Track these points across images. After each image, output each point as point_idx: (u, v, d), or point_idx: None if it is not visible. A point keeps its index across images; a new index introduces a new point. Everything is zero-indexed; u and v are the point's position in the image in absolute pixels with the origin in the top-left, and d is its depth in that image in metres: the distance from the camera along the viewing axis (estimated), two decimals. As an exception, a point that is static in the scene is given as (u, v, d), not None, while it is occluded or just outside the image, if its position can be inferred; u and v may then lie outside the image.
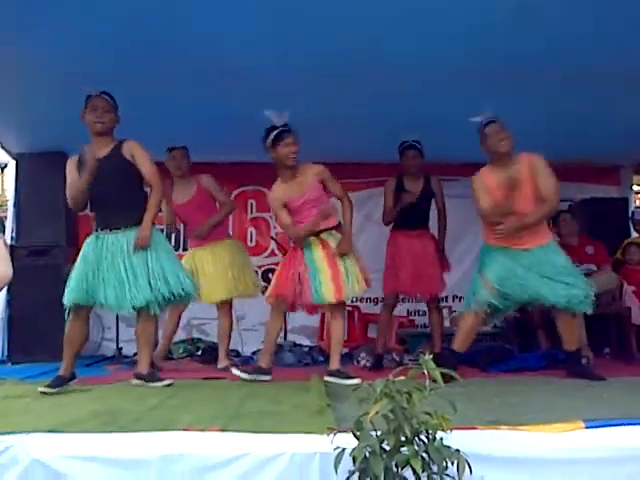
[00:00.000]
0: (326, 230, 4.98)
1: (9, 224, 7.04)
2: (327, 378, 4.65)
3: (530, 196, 4.80)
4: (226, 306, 5.89)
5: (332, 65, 4.94)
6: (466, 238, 7.16)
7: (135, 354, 6.54)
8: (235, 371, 4.86)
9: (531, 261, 4.80)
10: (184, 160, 5.85)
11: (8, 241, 6.88)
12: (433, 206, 6.01)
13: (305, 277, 4.85)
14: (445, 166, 6.68)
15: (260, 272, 7.33)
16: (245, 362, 6.45)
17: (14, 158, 7.24)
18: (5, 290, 6.52)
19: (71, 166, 4.59)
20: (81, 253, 4.49)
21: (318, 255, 4.90)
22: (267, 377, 4.82)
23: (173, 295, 4.46)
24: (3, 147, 7.05)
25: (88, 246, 4.49)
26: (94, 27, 4.43)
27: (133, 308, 4.39)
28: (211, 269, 5.76)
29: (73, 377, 4.48)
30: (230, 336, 5.96)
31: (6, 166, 7.43)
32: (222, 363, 5.76)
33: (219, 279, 5.74)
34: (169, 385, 4.47)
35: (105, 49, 4.67)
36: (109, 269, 4.39)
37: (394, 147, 6.31)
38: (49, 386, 4.25)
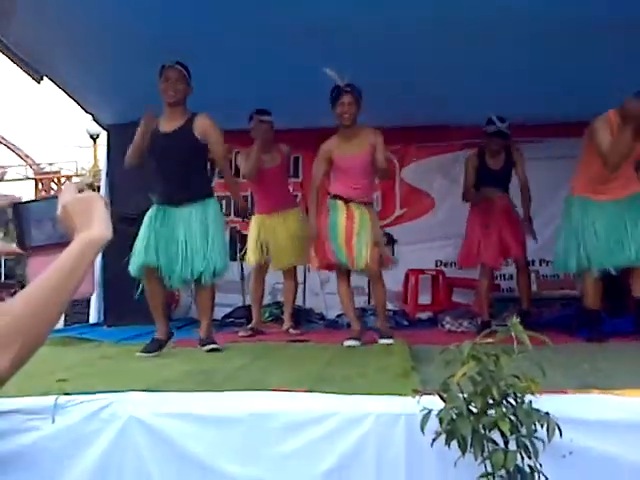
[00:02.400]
0: (357, 202, 5.02)
1: (102, 193, 7.26)
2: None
3: None
4: (290, 271, 6.10)
5: (423, 21, 4.92)
6: (553, 201, 6.98)
7: (223, 317, 6.78)
8: (347, 342, 4.87)
9: (625, 213, 4.83)
10: (270, 130, 5.90)
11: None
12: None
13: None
14: (532, 127, 6.53)
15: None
16: (330, 325, 6.54)
17: (105, 129, 7.44)
18: (101, 255, 6.75)
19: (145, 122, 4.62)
20: (145, 223, 4.55)
21: (340, 221, 4.97)
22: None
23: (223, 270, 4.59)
24: (95, 118, 7.24)
25: (151, 218, 4.55)
26: None
27: (186, 281, 4.53)
28: (281, 237, 5.94)
29: (169, 338, 4.61)
30: (294, 299, 6.18)
31: (98, 136, 7.62)
32: (286, 324, 6.02)
33: (287, 247, 5.93)
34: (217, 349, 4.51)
35: (188, 20, 4.83)
36: (169, 242, 4.48)
37: (479, 109, 6.20)
38: (145, 351, 4.38)
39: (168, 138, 4.54)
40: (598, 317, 5.05)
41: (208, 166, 4.97)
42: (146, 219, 4.56)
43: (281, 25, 4.97)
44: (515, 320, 2.61)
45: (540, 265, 7.14)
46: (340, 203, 5.02)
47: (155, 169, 4.65)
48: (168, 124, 4.59)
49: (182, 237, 4.48)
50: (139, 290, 4.54)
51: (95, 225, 1.32)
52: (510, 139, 5.82)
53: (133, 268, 4.48)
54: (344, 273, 5.13)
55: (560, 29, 4.97)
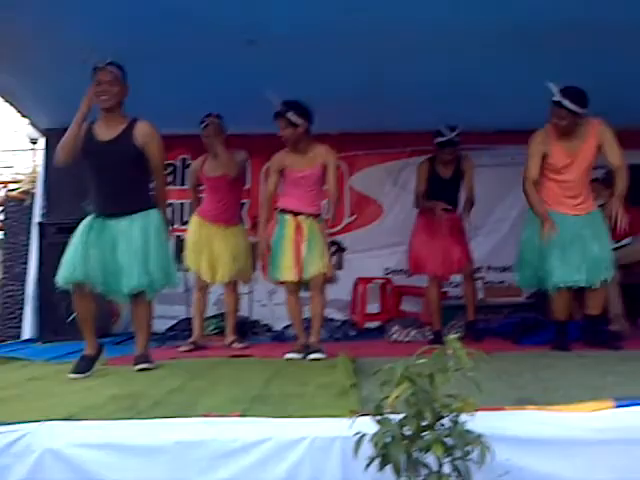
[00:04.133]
0: (305, 214, 5.02)
1: (39, 200, 7.05)
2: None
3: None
4: (231, 284, 5.96)
5: (365, 28, 4.87)
6: (499, 207, 7.03)
7: (166, 330, 6.64)
8: (288, 355, 4.84)
9: (584, 229, 4.87)
10: (221, 134, 5.79)
11: (38, 218, 6.91)
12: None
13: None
14: (478, 134, 6.51)
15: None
16: (276, 337, 6.44)
17: (43, 134, 7.22)
18: (36, 267, 6.55)
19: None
20: (78, 233, 4.33)
21: (288, 235, 4.99)
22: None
23: (164, 284, 4.44)
24: (32, 123, 7.04)
25: (86, 227, 4.34)
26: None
27: (127, 294, 4.32)
28: (219, 249, 5.80)
29: (99, 353, 4.42)
30: (236, 311, 6.06)
31: (37, 141, 7.42)
32: (229, 339, 5.87)
33: (224, 262, 5.79)
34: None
35: (126, 20, 4.65)
36: (107, 255, 4.28)
37: (430, 115, 6.18)
38: (77, 371, 4.18)
39: (106, 147, 4.32)
40: (564, 329, 5.02)
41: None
42: (80, 229, 4.34)
43: (226, 32, 4.90)
44: (452, 336, 2.54)
45: (487, 271, 7.11)
46: (289, 217, 5.03)
47: (92, 178, 4.42)
48: (105, 131, 4.35)
49: (121, 250, 4.29)
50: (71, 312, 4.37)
51: None
52: (459, 147, 5.79)
53: (60, 280, 4.26)
54: (294, 285, 5.08)
55: (502, 35, 4.96)
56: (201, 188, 6.18)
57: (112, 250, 4.29)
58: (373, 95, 5.99)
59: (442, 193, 5.77)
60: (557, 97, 4.70)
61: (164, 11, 4.56)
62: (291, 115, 4.94)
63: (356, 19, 4.72)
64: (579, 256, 4.80)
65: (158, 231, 4.41)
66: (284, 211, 5.07)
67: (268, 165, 7.31)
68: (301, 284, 5.08)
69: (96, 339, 4.43)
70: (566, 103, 4.69)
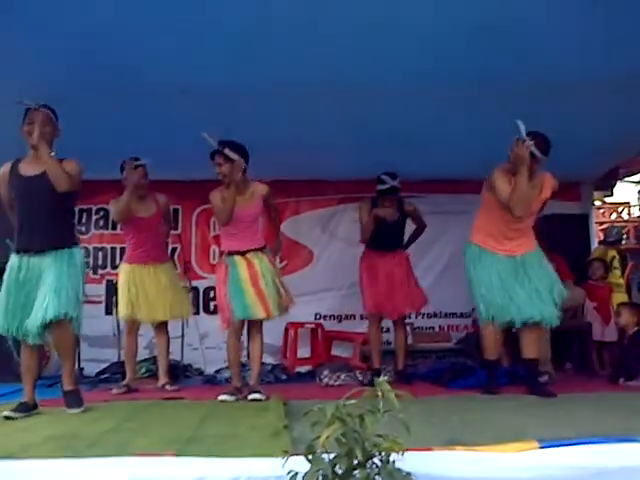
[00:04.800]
0: (252, 250, 5.12)
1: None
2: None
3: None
4: (161, 326, 5.98)
5: (299, 83, 5.01)
6: (428, 254, 7.22)
7: (97, 373, 6.58)
8: (221, 396, 4.88)
9: (520, 269, 4.97)
10: (143, 178, 5.80)
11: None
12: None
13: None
14: (410, 183, 6.71)
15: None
16: (208, 380, 6.44)
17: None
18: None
19: (2, 173, 4.50)
20: (5, 277, 4.37)
21: (243, 275, 5.04)
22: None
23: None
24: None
25: (11, 269, 4.36)
26: (49, 44, 4.45)
27: (47, 325, 4.26)
28: (150, 290, 5.81)
29: (35, 405, 4.40)
30: (168, 353, 6.05)
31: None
32: (161, 381, 5.87)
33: (159, 300, 5.82)
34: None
35: (60, 66, 4.68)
36: (30, 293, 4.30)
37: (358, 165, 6.38)
38: (14, 411, 4.18)
39: (30, 181, 4.37)
40: (493, 367, 5.14)
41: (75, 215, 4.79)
42: (6, 275, 4.37)
43: (159, 81, 4.97)
44: (381, 378, 2.63)
45: (416, 318, 7.28)
46: (237, 257, 5.10)
47: (17, 214, 4.44)
48: (30, 168, 4.41)
49: (37, 288, 4.30)
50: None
51: None
52: (399, 193, 5.95)
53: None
54: (239, 327, 5.13)
55: (436, 85, 5.12)
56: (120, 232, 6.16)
57: (36, 288, 4.30)
58: (304, 143, 6.14)
59: (385, 235, 5.93)
60: (522, 137, 4.82)
61: (95, 56, 4.62)
62: (228, 151, 5.04)
63: (289, 68, 4.84)
64: (515, 294, 4.91)
65: (72, 264, 4.41)
66: (231, 252, 5.13)
67: (202, 208, 7.54)
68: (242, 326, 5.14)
69: (34, 390, 4.43)
70: (530, 145, 4.83)
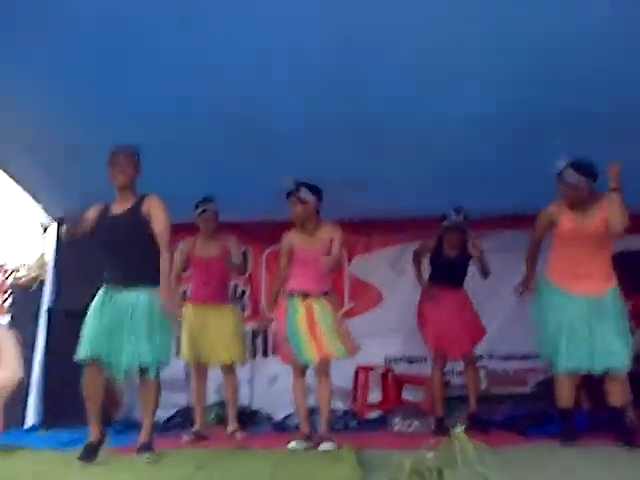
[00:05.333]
0: (314, 294, 5.08)
1: (48, 286, 7.10)
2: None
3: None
4: (229, 368, 5.94)
5: (371, 117, 5.04)
6: (500, 293, 7.01)
7: (166, 420, 6.56)
8: (291, 444, 4.86)
9: (596, 312, 4.75)
10: (214, 218, 5.87)
11: (47, 304, 6.94)
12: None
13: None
14: (480, 220, 6.58)
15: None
16: (277, 427, 6.36)
17: (55, 220, 7.33)
18: (42, 354, 6.54)
19: (92, 212, 4.65)
20: (91, 308, 4.46)
21: (300, 318, 5.01)
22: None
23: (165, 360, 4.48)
24: (45, 209, 7.15)
25: (97, 301, 4.47)
26: (129, 91, 4.64)
27: (128, 369, 4.36)
28: (212, 331, 5.80)
29: (103, 439, 4.42)
30: (237, 398, 6.00)
31: (47, 228, 7.51)
32: (230, 427, 5.83)
33: (219, 342, 5.80)
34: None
35: (139, 111, 4.83)
36: (115, 328, 4.37)
37: (426, 203, 6.27)
38: (83, 459, 4.20)
39: (117, 219, 4.55)
40: (569, 416, 4.89)
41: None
42: (93, 304, 4.47)
43: (232, 119, 5.05)
44: (458, 430, 2.53)
45: (489, 360, 7.08)
46: (298, 300, 5.07)
47: (103, 251, 4.60)
48: (118, 207, 4.60)
49: (127, 323, 4.37)
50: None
51: (4, 366, 1.23)
52: (466, 231, 5.85)
53: (80, 354, 4.36)
54: (301, 369, 5.10)
55: (507, 124, 5.09)
56: (186, 274, 6.18)
57: (120, 323, 4.38)
58: (372, 183, 6.12)
59: (447, 272, 5.90)
60: (560, 169, 4.72)
61: (170, 104, 4.78)
62: (302, 192, 5.06)
63: (355, 109, 4.89)
64: (585, 341, 4.68)
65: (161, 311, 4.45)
66: (293, 293, 5.10)
67: (272, 249, 7.53)
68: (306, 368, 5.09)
69: (100, 424, 4.44)
70: (567, 175, 4.71)
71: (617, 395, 4.79)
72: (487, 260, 5.87)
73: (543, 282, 5.02)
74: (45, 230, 8.05)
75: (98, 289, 4.54)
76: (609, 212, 4.67)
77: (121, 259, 4.51)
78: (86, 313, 4.48)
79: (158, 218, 4.53)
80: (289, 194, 5.11)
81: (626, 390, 4.89)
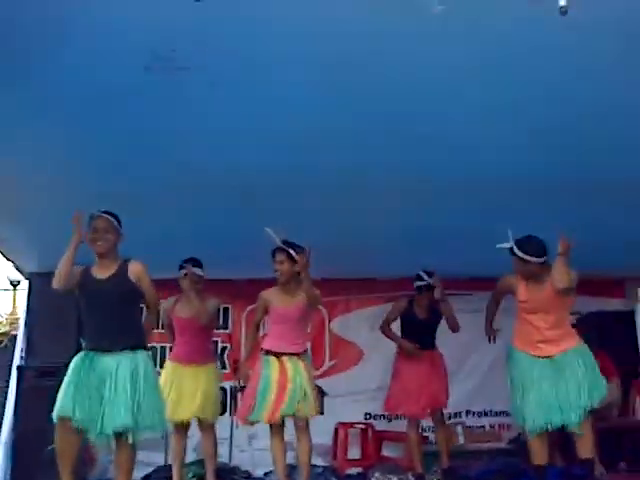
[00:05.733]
0: (289, 354, 5.11)
1: (19, 343, 7.08)
2: None
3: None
4: (207, 427, 5.92)
5: (346, 181, 5.07)
6: (475, 352, 7.12)
7: (143, 478, 6.53)
8: None
9: (559, 370, 4.87)
10: (198, 282, 5.85)
11: (17, 361, 6.91)
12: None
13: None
14: (454, 281, 6.71)
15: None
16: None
17: (27, 277, 7.35)
18: (12, 412, 6.49)
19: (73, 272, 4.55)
20: (70, 369, 4.39)
21: (273, 377, 5.03)
22: None
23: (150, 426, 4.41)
24: (16, 266, 7.17)
25: (77, 363, 4.40)
26: (100, 145, 4.54)
27: (110, 433, 4.28)
28: (190, 389, 5.79)
29: None
30: (215, 456, 5.98)
31: (19, 283, 7.53)
32: None
33: (196, 400, 5.78)
34: None
35: (114, 167, 4.78)
36: (95, 391, 4.30)
37: (406, 263, 6.38)
38: None
39: (103, 283, 4.47)
40: (542, 473, 4.94)
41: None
42: (72, 364, 4.41)
43: (212, 184, 5.08)
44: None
45: (466, 416, 7.13)
46: (272, 359, 5.09)
47: (86, 316, 4.56)
48: (100, 271, 4.52)
49: (107, 387, 4.30)
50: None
51: None
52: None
53: (56, 412, 4.29)
54: (278, 427, 5.09)
55: (477, 186, 5.16)
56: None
57: (99, 386, 4.32)
58: (353, 244, 6.19)
59: (418, 332, 6.00)
60: (510, 245, 4.91)
61: (154, 159, 4.73)
62: (292, 251, 5.09)
63: (332, 169, 4.89)
64: (553, 399, 4.79)
65: (146, 371, 4.45)
66: (268, 352, 5.12)
67: (252, 307, 7.58)
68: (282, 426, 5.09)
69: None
70: (518, 252, 4.89)
71: (586, 447, 4.86)
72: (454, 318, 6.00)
73: (510, 349, 5.13)
74: (16, 285, 8.08)
75: (70, 348, 4.53)
76: (553, 271, 4.85)
77: (106, 324, 4.45)
78: (58, 371, 4.46)
79: (147, 286, 4.53)
80: (277, 250, 5.13)
81: (592, 442, 4.95)
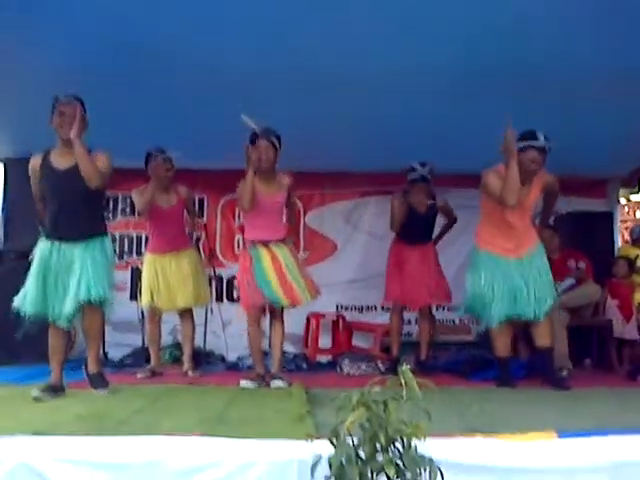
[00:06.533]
0: (274, 241, 5.18)
1: (-3, 227, 7.11)
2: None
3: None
4: (187, 312, 6.07)
5: (323, 70, 5.05)
6: (449, 249, 7.22)
7: (121, 358, 6.68)
8: (243, 382, 5.01)
9: (521, 271, 5.04)
10: (169, 171, 5.87)
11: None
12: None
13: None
14: (437, 177, 6.73)
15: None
16: (230, 367, 6.54)
17: (2, 162, 7.29)
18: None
19: (32, 172, 4.56)
20: (35, 261, 4.46)
21: (267, 265, 5.11)
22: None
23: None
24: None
25: (42, 252, 4.46)
26: (81, 29, 4.54)
27: (80, 307, 4.43)
28: (172, 278, 5.91)
29: (63, 388, 4.49)
30: (193, 340, 6.15)
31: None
32: (185, 366, 5.97)
33: (180, 288, 5.91)
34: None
35: (92, 54, 4.77)
36: (61, 278, 4.42)
37: (383, 157, 6.39)
38: (43, 392, 4.25)
39: (63, 175, 4.46)
40: (505, 363, 5.20)
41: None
42: (38, 254, 4.47)
43: (186, 65, 5.04)
44: (404, 367, 2.68)
45: (436, 310, 7.30)
46: (260, 247, 5.16)
47: (48, 203, 4.55)
48: (63, 159, 4.48)
49: (75, 271, 4.41)
50: (23, 330, 4.46)
51: None
52: (432, 185, 6.01)
53: (26, 310, 4.40)
54: (257, 315, 5.19)
55: (462, 80, 5.19)
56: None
57: (67, 274, 4.43)
58: (330, 134, 6.18)
59: (416, 227, 6.02)
60: (523, 143, 4.87)
61: (121, 44, 4.70)
62: (274, 138, 5.08)
63: (320, 56, 4.89)
64: (520, 292, 5.00)
65: (103, 252, 4.55)
66: (254, 243, 5.19)
67: (228, 198, 7.61)
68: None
69: (62, 373, 4.54)
70: (535, 143, 4.87)
71: (544, 336, 5.13)
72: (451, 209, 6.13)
73: (477, 249, 5.27)
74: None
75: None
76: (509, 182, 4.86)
77: (65, 214, 4.47)
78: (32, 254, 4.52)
79: (102, 166, 4.47)
80: (260, 137, 5.06)
81: (551, 329, 5.21)
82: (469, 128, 5.89)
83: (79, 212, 4.47)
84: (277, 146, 5.12)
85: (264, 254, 5.15)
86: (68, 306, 4.37)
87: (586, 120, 5.64)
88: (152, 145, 5.83)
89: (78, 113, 4.40)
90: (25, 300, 4.42)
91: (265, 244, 5.17)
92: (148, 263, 5.97)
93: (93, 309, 4.49)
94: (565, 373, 5.55)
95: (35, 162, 4.56)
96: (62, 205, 4.49)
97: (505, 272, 5.06)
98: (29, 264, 4.50)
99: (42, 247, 4.49)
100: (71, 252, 4.45)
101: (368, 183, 7.77)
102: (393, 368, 5.71)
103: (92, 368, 4.63)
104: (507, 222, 5.06)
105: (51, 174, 4.49)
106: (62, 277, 4.43)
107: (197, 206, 7.43)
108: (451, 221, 6.27)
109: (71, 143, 4.41)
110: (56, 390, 4.39)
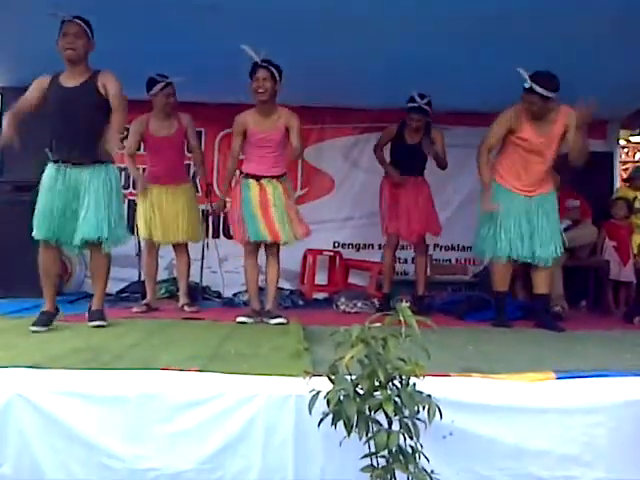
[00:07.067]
0: (268, 177, 5.09)
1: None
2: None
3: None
4: (182, 247, 6.04)
5: (327, 7, 4.93)
6: (448, 188, 7.20)
7: (117, 292, 6.68)
8: (240, 318, 4.98)
9: (527, 210, 5.04)
10: (172, 96, 5.79)
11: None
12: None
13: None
14: (435, 114, 6.65)
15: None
16: (226, 303, 6.55)
17: (-1, 91, 7.18)
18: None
19: (36, 84, 4.50)
20: (43, 185, 4.43)
21: (254, 199, 5.05)
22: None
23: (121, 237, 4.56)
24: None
25: (49, 179, 4.42)
26: None
27: (85, 243, 4.43)
28: (168, 211, 5.87)
29: (57, 311, 4.50)
30: (189, 275, 6.13)
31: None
32: (181, 301, 5.98)
33: (174, 222, 5.88)
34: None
35: None
36: (68, 206, 4.39)
37: (384, 94, 6.29)
38: (38, 324, 4.24)
39: (70, 92, 4.41)
40: (502, 299, 5.21)
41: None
42: (44, 180, 4.43)
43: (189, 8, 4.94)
44: (403, 304, 2.66)
45: (434, 250, 7.31)
46: (252, 181, 5.08)
47: (54, 126, 4.48)
48: (70, 80, 4.44)
49: (83, 200, 4.38)
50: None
51: None
52: (429, 116, 5.92)
53: (36, 234, 4.38)
54: (253, 249, 5.16)
55: (457, 19, 5.09)
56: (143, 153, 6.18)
57: (74, 200, 4.39)
58: (327, 71, 6.08)
59: (408, 158, 5.95)
60: (528, 83, 4.81)
61: None
62: (273, 68, 4.95)
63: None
64: (526, 232, 4.99)
65: (116, 186, 4.54)
66: (247, 175, 5.12)
67: (226, 132, 7.50)
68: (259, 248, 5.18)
69: (55, 297, 4.51)
70: (537, 88, 4.80)
71: (542, 284, 5.14)
72: (444, 153, 5.97)
73: (495, 186, 5.18)
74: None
75: (44, 162, 4.49)
76: (572, 148, 4.93)
77: (74, 135, 4.41)
78: (32, 187, 4.47)
79: (113, 92, 4.41)
80: (260, 67, 4.95)
81: (551, 280, 5.24)
82: (469, 68, 5.82)
83: (87, 134, 4.42)
84: (277, 77, 4.98)
85: (253, 187, 5.08)
86: (74, 238, 4.36)
87: (587, 61, 5.54)
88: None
89: (78, 32, 4.37)
90: (35, 224, 4.38)
91: (257, 179, 5.09)
92: (143, 195, 5.90)
93: (97, 249, 4.49)
94: (558, 308, 5.58)
95: (44, 79, 4.50)
96: (68, 122, 4.42)
97: (510, 207, 5.04)
98: (25, 197, 4.45)
99: (49, 171, 4.45)
100: (77, 177, 4.40)
101: (368, 119, 7.67)
102: (386, 305, 5.74)
103: (95, 306, 4.62)
104: (525, 162, 5.04)
105: (59, 90, 4.44)
106: (70, 202, 4.39)
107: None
108: (439, 164, 6.09)
109: (77, 64, 4.41)
110: (51, 317, 4.38)
